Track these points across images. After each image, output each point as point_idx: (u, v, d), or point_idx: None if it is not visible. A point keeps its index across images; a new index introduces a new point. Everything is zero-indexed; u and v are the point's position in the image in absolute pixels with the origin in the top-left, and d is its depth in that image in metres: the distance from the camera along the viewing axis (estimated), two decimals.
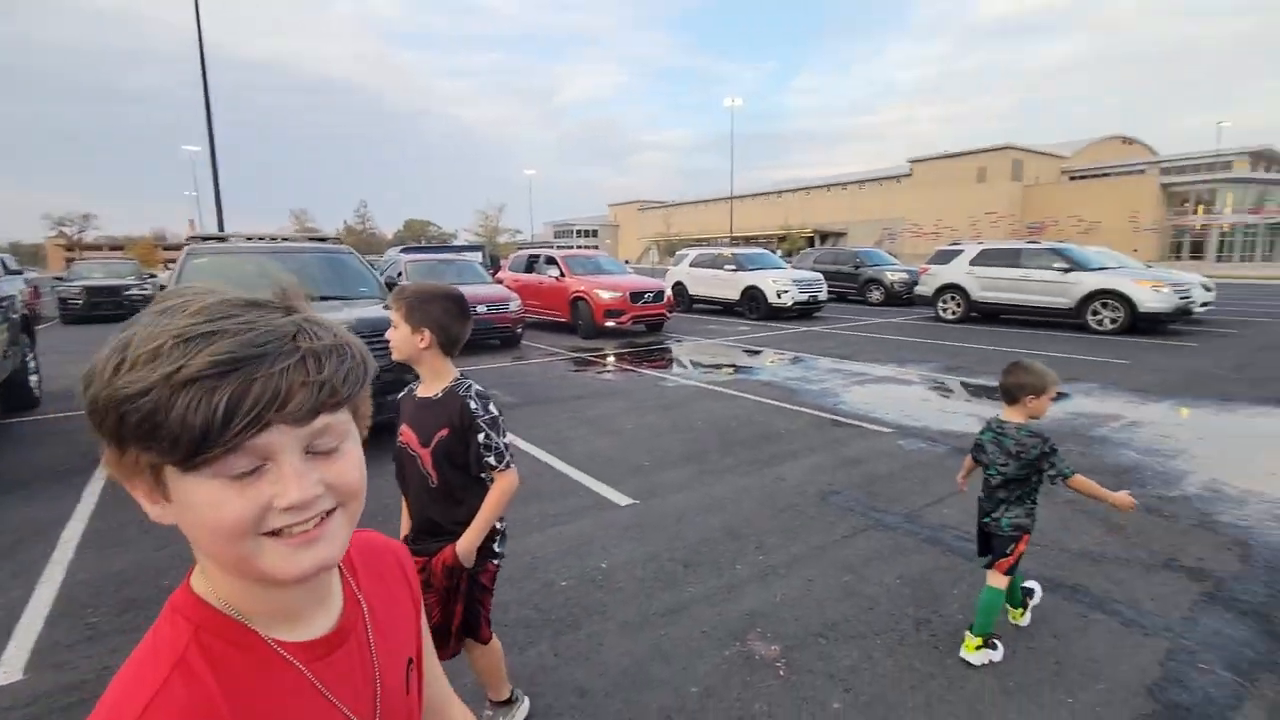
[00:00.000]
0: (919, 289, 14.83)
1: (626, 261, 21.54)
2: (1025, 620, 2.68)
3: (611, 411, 6.31)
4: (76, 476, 4.47)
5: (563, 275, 12.47)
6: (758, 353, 10.06)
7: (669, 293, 12.38)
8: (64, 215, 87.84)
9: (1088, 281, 11.72)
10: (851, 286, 19.26)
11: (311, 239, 7.04)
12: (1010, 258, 12.99)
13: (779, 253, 27.53)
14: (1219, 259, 49.85)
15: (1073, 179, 60.38)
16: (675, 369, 8.77)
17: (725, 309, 15.85)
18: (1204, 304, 12.91)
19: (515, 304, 10.41)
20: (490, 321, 10.00)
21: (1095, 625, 2.68)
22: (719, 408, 6.43)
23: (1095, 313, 11.57)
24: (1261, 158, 56.05)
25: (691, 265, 16.85)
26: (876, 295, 18.34)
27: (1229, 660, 2.43)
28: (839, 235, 66.99)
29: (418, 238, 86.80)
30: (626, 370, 8.67)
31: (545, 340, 11.68)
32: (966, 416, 6.05)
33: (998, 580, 2.45)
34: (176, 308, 0.50)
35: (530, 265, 13.73)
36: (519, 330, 10.42)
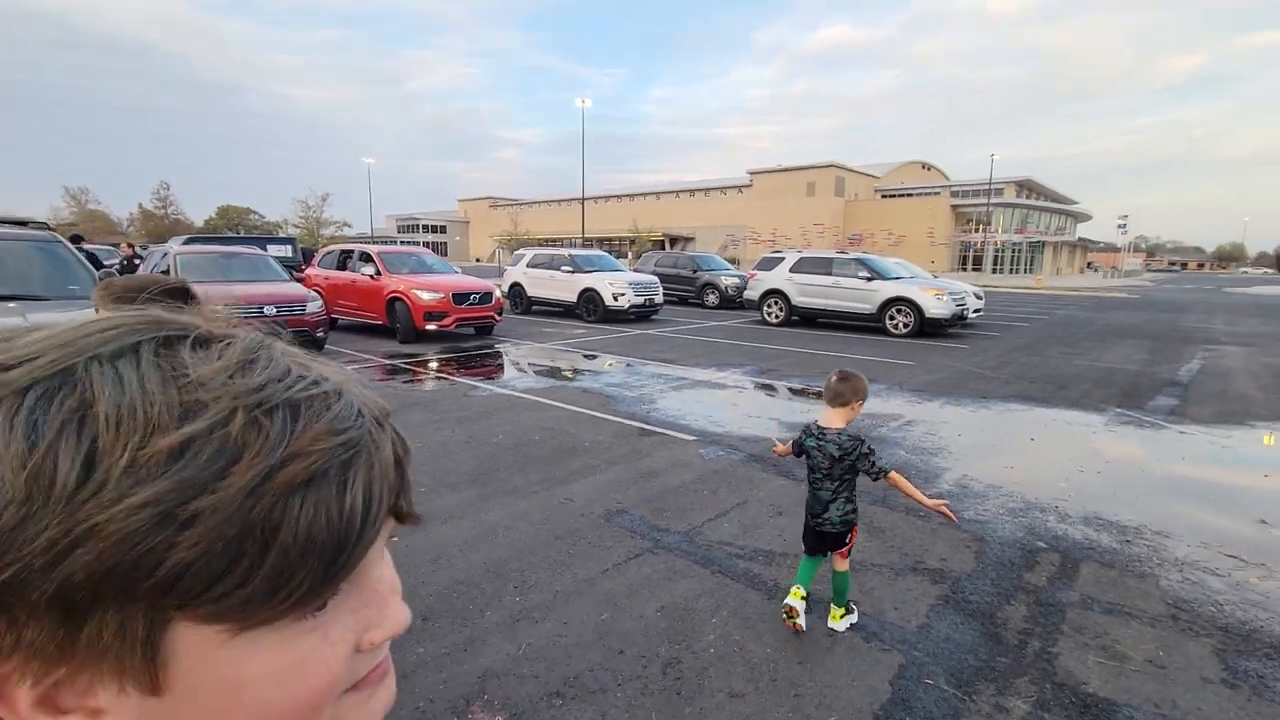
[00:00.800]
0: (746, 294, 15.56)
1: (477, 259, 20.28)
2: (842, 625, 2.72)
3: (403, 426, 5.65)
4: None
5: (379, 274, 11.37)
6: (589, 357, 9.82)
7: (499, 294, 11.76)
8: None
9: (886, 290, 12.94)
10: (690, 290, 19.86)
11: (4, 222, 5.57)
12: (823, 266, 14.01)
13: (630, 255, 27.93)
14: (994, 271, 58.72)
15: (884, 197, 67.96)
16: (492, 376, 8.24)
17: (564, 311, 15.53)
18: (976, 310, 14.84)
19: (314, 305, 9.22)
20: (280, 324, 8.72)
21: (841, 643, 2.64)
22: (528, 418, 6.04)
23: (892, 318, 12.80)
24: (1025, 186, 66.97)
25: (529, 266, 16.32)
26: (713, 299, 19.05)
27: (953, 671, 2.48)
28: (688, 240, 69.83)
29: (235, 227, 77.06)
30: (440, 378, 7.99)
31: (357, 345, 10.57)
32: (768, 420, 6.20)
33: (841, 564, 2.70)
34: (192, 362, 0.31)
35: (343, 262, 12.40)
36: (320, 334, 9.24)
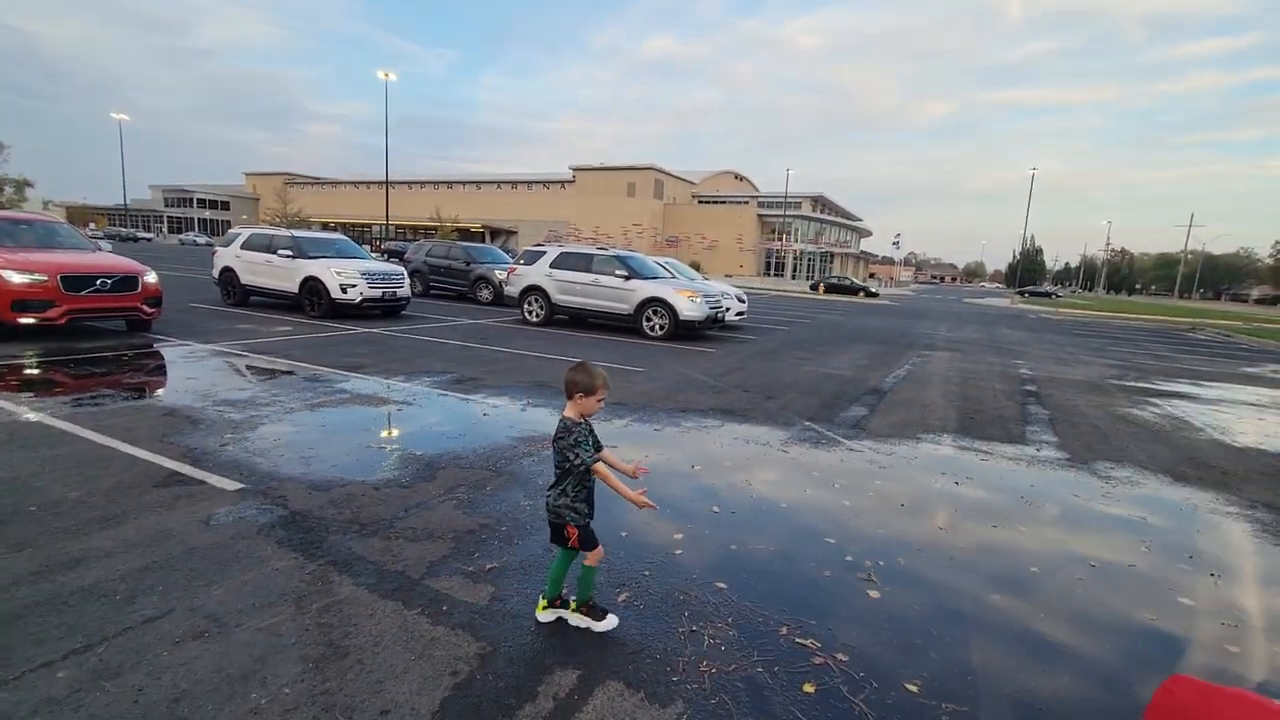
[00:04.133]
0: (507, 290, 14.20)
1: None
2: (543, 616, 2.71)
3: None
4: None
5: None
6: (245, 367, 7.73)
7: (150, 280, 9.11)
8: None
9: (643, 290, 12.29)
10: (464, 284, 18.08)
11: None
12: (583, 263, 13.07)
13: (500, 246, 24.85)
14: (793, 277, 63.90)
15: (701, 203, 71.01)
16: (37, 396, 5.92)
17: (288, 305, 12.95)
18: (739, 314, 14.89)
19: None
20: None
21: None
22: (21, 458, 4.03)
23: (649, 319, 12.18)
24: (819, 202, 73.88)
25: (243, 248, 13.43)
26: (486, 294, 17.46)
27: None
28: (510, 233, 67.32)
29: None
30: None
31: None
32: (376, 450, 4.79)
33: (589, 559, 2.66)
34: None
35: None
36: None
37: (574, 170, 69.21)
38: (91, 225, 68.19)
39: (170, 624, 2.51)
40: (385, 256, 33.36)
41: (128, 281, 8.76)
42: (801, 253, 65.65)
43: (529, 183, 72.70)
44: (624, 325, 12.60)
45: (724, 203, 70.39)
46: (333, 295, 12.05)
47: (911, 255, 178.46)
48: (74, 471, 3.99)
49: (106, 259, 9.09)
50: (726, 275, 55.32)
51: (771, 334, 14.67)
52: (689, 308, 11.94)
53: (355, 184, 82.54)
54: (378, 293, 12.55)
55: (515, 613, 2.76)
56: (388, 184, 50.97)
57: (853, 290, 43.64)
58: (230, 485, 3.93)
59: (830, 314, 23.57)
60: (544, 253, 13.75)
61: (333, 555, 3.15)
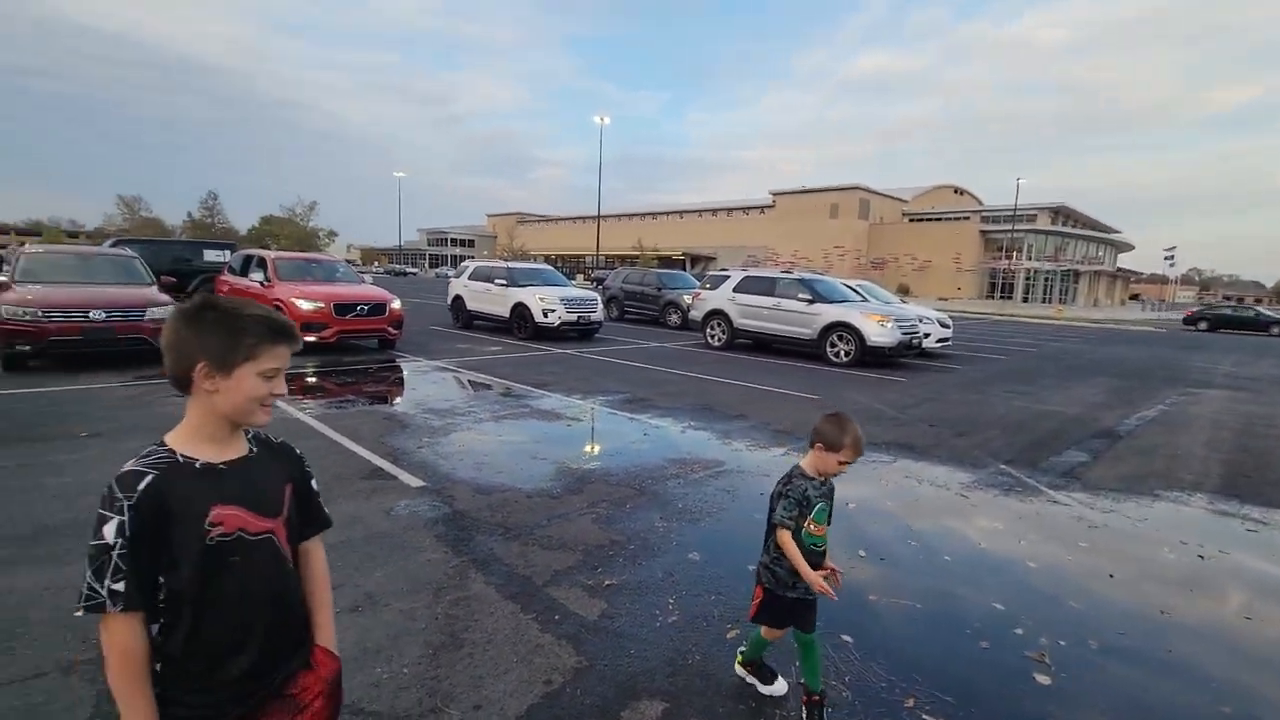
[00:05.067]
0: (691, 314, 14.48)
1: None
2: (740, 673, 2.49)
3: (73, 459, 4.81)
4: None
5: (268, 281, 10.73)
6: (458, 379, 8.91)
7: (396, 306, 10.99)
8: None
9: (827, 314, 11.71)
10: (654, 309, 18.87)
11: None
12: (766, 286, 12.86)
13: (695, 272, 26.91)
14: (1024, 299, 55.95)
15: (911, 221, 65.85)
16: (313, 394, 7.38)
17: (501, 327, 14.69)
18: (941, 340, 13.45)
19: (159, 311, 8.53)
20: (110, 330, 8.09)
21: None
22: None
23: (833, 345, 11.55)
24: (1060, 213, 64.02)
25: (469, 279, 15.57)
26: (675, 319, 18.00)
27: None
28: (709, 259, 68.90)
29: (275, 235, 79.29)
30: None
31: None
32: (539, 461, 5.15)
33: (765, 631, 2.39)
34: None
35: (245, 267, 11.82)
36: (157, 342, 8.56)
37: (773, 195, 68.77)
38: (376, 264, 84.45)
39: (337, 596, 2.95)
40: (596, 284, 36.24)
41: (379, 308, 10.66)
42: (1035, 271, 57.24)
43: (728, 209, 73.82)
44: (807, 351, 12.10)
45: (940, 219, 64.43)
46: (536, 319, 13.39)
47: (1194, 272, 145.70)
48: (310, 461, 4.91)
49: (366, 289, 11.17)
50: (940, 299, 50.42)
51: (981, 363, 12.96)
52: (878, 333, 11.08)
53: (572, 219, 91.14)
54: (574, 317, 13.64)
55: (620, 631, 2.77)
56: (599, 218, 55.46)
57: (1260, 325, 32.34)
58: (415, 482, 4.54)
59: (1065, 341, 20.13)
60: (728, 277, 13.81)
61: (475, 553, 3.45)
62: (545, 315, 13.40)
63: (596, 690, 2.38)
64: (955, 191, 73.12)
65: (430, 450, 5.35)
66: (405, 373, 9.25)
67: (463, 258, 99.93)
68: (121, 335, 8.19)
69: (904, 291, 48.24)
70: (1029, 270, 56.97)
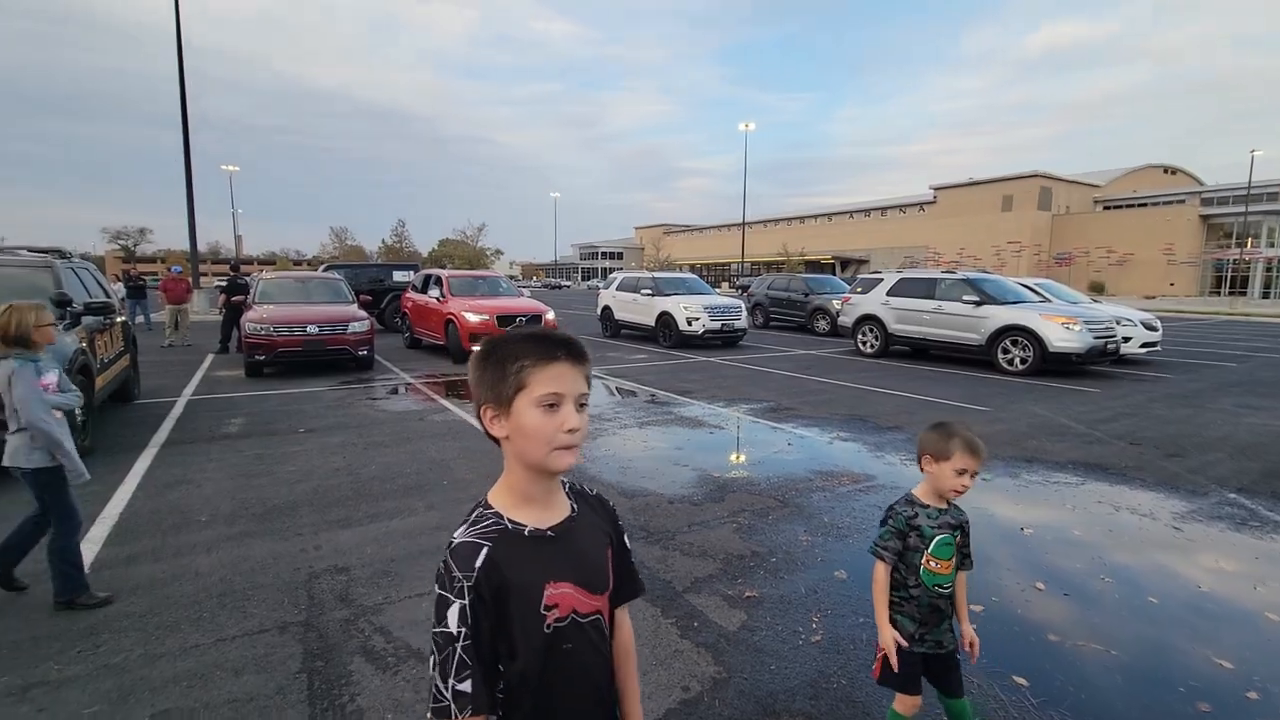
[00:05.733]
0: (840, 320, 13.80)
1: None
2: None
3: (296, 451, 5.67)
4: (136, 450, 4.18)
5: (443, 297, 11.97)
6: (607, 386, 9.29)
7: (550, 317, 11.72)
8: (121, 229, 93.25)
9: (998, 316, 10.57)
10: (801, 315, 18.29)
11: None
12: (925, 288, 11.90)
13: (845, 277, 26.48)
14: (1264, 295, 46.39)
15: (1106, 208, 57.48)
16: (466, 404, 8.06)
17: (647, 336, 15.08)
18: (1147, 345, 11.59)
19: (358, 325, 9.90)
20: (321, 343, 9.51)
21: None
22: (427, 447, 5.72)
23: (1005, 350, 10.40)
24: None
25: (617, 289, 16.18)
26: (823, 325, 17.30)
27: None
28: (861, 262, 65.44)
29: (451, 258, 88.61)
30: (429, 399, 8.00)
31: (416, 363, 11.14)
32: (681, 468, 5.17)
33: (896, 702, 1.95)
34: None
35: (425, 285, 13.29)
36: (362, 352, 9.89)
37: (935, 190, 63.62)
38: (534, 278, 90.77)
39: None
40: (740, 292, 35.95)
41: (536, 319, 11.44)
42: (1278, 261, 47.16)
43: (882, 209, 69.53)
44: (974, 358, 11.00)
45: (1144, 205, 55.54)
46: (680, 327, 13.57)
47: None
48: (474, 460, 5.39)
49: (524, 302, 12.06)
50: (1146, 297, 43.43)
51: (1202, 371, 10.92)
52: (1062, 337, 9.78)
53: (717, 228, 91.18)
54: (718, 324, 13.63)
55: (760, 646, 2.70)
56: (744, 225, 54.99)
57: None
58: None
59: None
60: (881, 279, 12.99)
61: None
62: (689, 323, 13.53)
63: (735, 703, 2.34)
64: (1165, 171, 62.61)
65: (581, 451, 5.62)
66: None
67: (611, 270, 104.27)
68: (330, 347, 9.60)
69: (1097, 290, 42.16)
70: (1270, 260, 47.11)
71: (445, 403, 7.77)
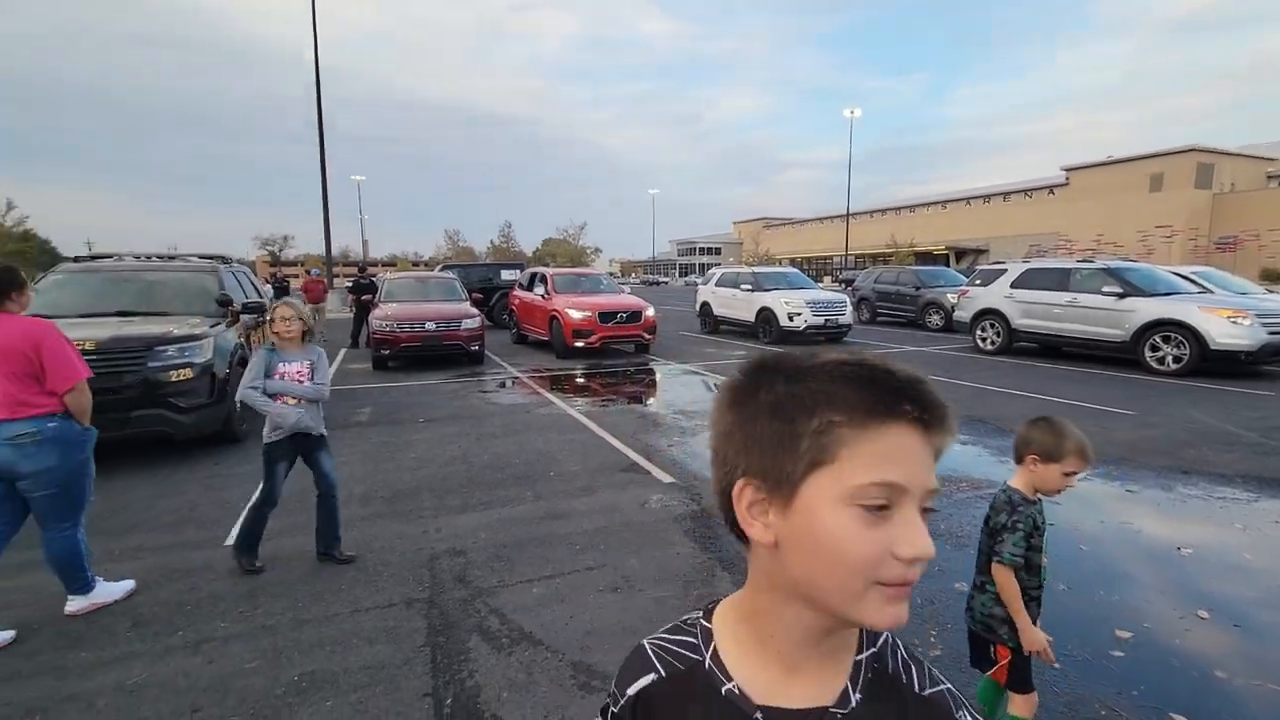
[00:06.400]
0: (956, 314, 12.89)
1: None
2: None
3: (417, 439, 6.06)
4: None
5: (548, 294, 12.39)
6: (703, 382, 9.25)
7: (650, 314, 11.82)
8: (268, 237, 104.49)
9: (1145, 310, 9.45)
10: (912, 310, 17.29)
11: (168, 257, 7.51)
12: (1057, 279, 10.86)
13: (961, 268, 25.26)
14: None
15: None
16: (574, 394, 8.29)
17: (746, 332, 14.86)
18: None
19: (471, 322, 10.47)
20: (438, 339, 10.15)
21: None
22: (537, 440, 5.94)
23: (1154, 348, 9.28)
24: None
25: (716, 285, 16.04)
26: (936, 320, 16.26)
27: None
28: (979, 252, 60.95)
29: (553, 256, 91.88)
30: (534, 393, 8.32)
31: (522, 358, 11.62)
32: None
33: (1013, 708, 1.89)
34: None
35: (531, 283, 13.82)
36: (474, 347, 10.45)
37: (1067, 171, 57.98)
38: (633, 275, 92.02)
39: (600, 575, 3.29)
40: (843, 286, 34.61)
41: (635, 315, 11.59)
42: None
43: (1004, 194, 64.32)
44: (1115, 356, 9.91)
45: None
46: (781, 323, 13.24)
47: None
48: (579, 452, 5.55)
49: (624, 298, 12.24)
50: None
51: None
52: (1227, 332, 8.58)
53: (819, 220, 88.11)
54: (820, 320, 13.17)
55: None
56: (848, 216, 52.78)
57: None
58: (665, 478, 4.82)
59: None
60: (1003, 271, 12.01)
61: (722, 553, 3.54)
62: (790, 319, 13.17)
63: None
64: None
65: (680, 449, 5.64)
66: (658, 375, 9.89)
67: (709, 266, 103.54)
68: (446, 343, 10.23)
69: (1270, 278, 36.67)
70: None
71: (550, 396, 8.05)
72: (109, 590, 3.02)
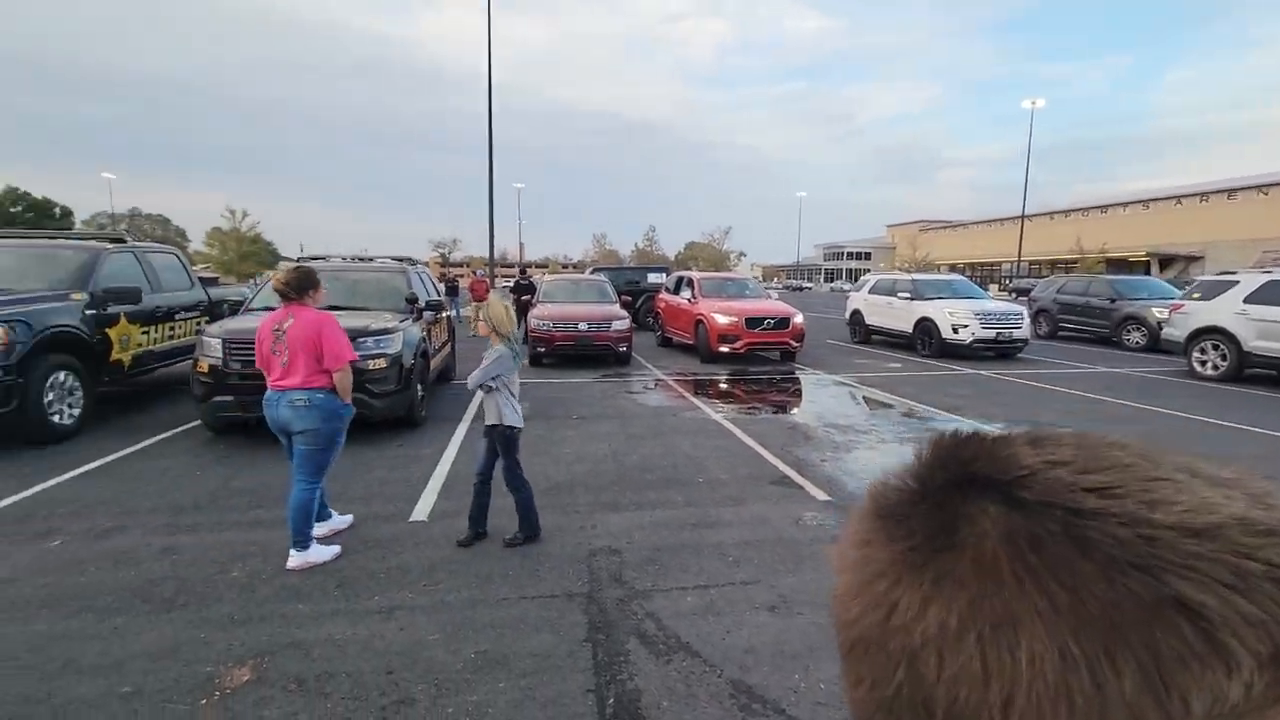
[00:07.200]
0: (1166, 333, 11.05)
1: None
2: None
3: (570, 435, 6.30)
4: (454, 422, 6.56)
5: (694, 298, 12.44)
6: (851, 394, 8.77)
7: (798, 321, 11.43)
8: (440, 240, 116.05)
9: None
10: (1104, 326, 15.15)
11: (366, 259, 8.47)
12: None
13: (1169, 278, 22.33)
14: None
15: None
16: (718, 400, 8.18)
17: (902, 343, 13.87)
18: None
19: (620, 324, 10.78)
20: (589, 339, 10.56)
21: None
22: (684, 443, 5.94)
23: None
24: None
25: (870, 292, 15.14)
26: (1136, 338, 14.12)
27: None
28: (1192, 259, 52.35)
29: (696, 260, 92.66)
30: (680, 396, 8.36)
31: (666, 361, 11.75)
32: None
33: None
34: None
35: (677, 287, 13.95)
36: (622, 348, 10.74)
37: None
38: (775, 279, 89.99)
39: (756, 592, 3.19)
40: (1014, 296, 31.31)
41: (783, 322, 11.27)
42: None
43: (1228, 191, 54.35)
44: None
45: None
46: (943, 335, 12.20)
47: None
48: (726, 459, 5.47)
49: (772, 304, 11.95)
50: None
51: None
52: None
53: (987, 222, 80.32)
54: (991, 333, 11.95)
55: None
56: (1023, 218, 47.55)
57: None
58: (820, 495, 4.60)
59: None
60: (1235, 283, 10.11)
61: None
62: (955, 331, 12.08)
63: None
64: None
65: (834, 465, 5.36)
66: (805, 385, 9.52)
67: (857, 271, 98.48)
68: (596, 343, 10.62)
69: None
70: None
71: (695, 400, 8.04)
72: (321, 552, 3.46)
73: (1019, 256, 48.54)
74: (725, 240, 78.64)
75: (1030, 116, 42.28)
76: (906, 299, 13.41)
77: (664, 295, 14.48)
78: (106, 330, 6.38)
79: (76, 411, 5.87)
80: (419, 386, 6.41)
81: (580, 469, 5.15)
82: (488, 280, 18.54)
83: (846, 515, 3.45)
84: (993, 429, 0.36)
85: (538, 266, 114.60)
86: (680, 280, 13.89)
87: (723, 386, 9.26)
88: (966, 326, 11.98)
